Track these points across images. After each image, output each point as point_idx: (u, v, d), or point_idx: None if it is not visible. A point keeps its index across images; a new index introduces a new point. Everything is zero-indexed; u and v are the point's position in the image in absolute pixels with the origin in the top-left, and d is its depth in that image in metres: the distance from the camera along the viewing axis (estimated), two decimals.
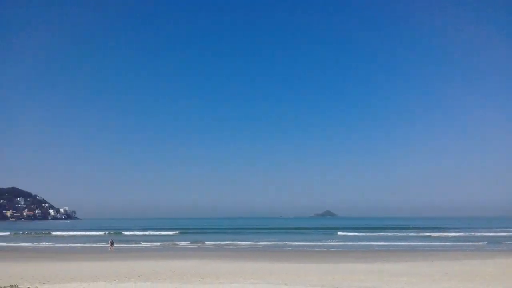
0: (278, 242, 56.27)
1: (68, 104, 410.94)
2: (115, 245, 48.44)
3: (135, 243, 57.48)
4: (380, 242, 56.15)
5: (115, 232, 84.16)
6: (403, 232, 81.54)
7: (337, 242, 57.40)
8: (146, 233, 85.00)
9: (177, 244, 55.04)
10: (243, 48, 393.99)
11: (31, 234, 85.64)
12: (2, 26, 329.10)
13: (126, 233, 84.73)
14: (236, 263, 29.38)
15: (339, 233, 79.83)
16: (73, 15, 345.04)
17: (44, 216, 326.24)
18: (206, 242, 56.79)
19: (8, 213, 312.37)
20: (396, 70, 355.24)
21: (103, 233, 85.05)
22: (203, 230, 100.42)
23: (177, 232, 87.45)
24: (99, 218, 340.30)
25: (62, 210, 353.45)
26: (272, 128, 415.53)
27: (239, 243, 55.75)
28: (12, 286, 12.83)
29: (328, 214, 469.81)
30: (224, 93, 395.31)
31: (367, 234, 76.65)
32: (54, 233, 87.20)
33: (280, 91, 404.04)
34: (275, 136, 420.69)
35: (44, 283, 18.04)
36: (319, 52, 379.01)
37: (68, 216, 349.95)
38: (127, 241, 60.39)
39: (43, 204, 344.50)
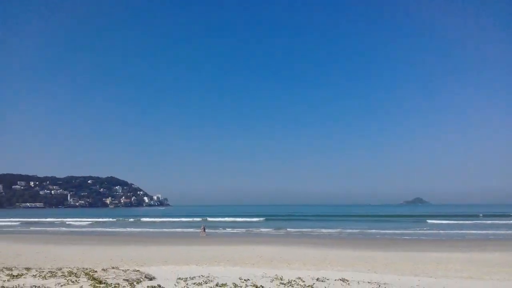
0: (365, 230, 54.93)
1: (158, 101, 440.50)
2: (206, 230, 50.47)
3: (223, 229, 59.36)
4: (476, 230, 52.71)
5: (203, 219, 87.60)
6: (502, 220, 75.84)
7: (428, 230, 54.71)
8: (233, 219, 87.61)
9: (262, 231, 55.97)
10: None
11: (128, 220, 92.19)
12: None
13: (214, 219, 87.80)
14: (322, 250, 29.15)
15: (428, 221, 76.07)
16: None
17: (139, 203, 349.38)
18: (290, 229, 57.05)
19: (108, 201, 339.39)
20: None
21: (191, 219, 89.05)
22: (288, 217, 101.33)
23: (262, 219, 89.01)
24: (188, 205, 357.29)
25: (155, 198, 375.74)
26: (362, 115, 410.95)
27: (324, 230, 55.35)
28: (113, 267, 13.82)
29: (418, 201, 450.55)
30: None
31: (461, 222, 72.22)
32: (148, 219, 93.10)
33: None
34: (364, 124, 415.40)
35: (141, 265, 19.24)
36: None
37: (161, 203, 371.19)
38: (215, 227, 62.60)
39: (138, 192, 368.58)
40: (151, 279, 12.81)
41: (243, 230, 57.86)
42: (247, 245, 33.79)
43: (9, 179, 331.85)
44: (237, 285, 10.27)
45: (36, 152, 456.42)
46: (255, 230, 56.91)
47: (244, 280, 11.37)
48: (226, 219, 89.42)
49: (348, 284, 10.85)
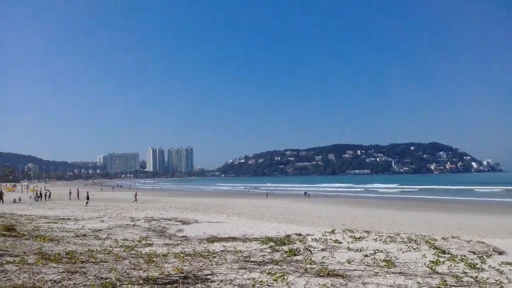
0: None
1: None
2: None
3: None
4: None
5: None
6: None
7: None
8: None
9: None
10: None
11: (455, 187, 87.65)
12: None
13: None
14: None
15: None
16: None
17: (467, 168, 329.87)
18: None
19: (432, 167, 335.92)
20: None
21: None
22: None
23: None
24: None
25: (484, 163, 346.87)
26: None
27: None
28: (453, 237, 12.93)
29: None
30: None
31: None
32: (479, 187, 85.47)
33: None
34: None
35: (483, 236, 17.45)
36: None
37: (492, 168, 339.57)
38: None
39: (465, 157, 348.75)
40: (500, 253, 11.16)
41: None
42: None
43: (339, 149, 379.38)
44: None
45: (360, 122, 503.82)
46: None
47: None
48: None
49: None
